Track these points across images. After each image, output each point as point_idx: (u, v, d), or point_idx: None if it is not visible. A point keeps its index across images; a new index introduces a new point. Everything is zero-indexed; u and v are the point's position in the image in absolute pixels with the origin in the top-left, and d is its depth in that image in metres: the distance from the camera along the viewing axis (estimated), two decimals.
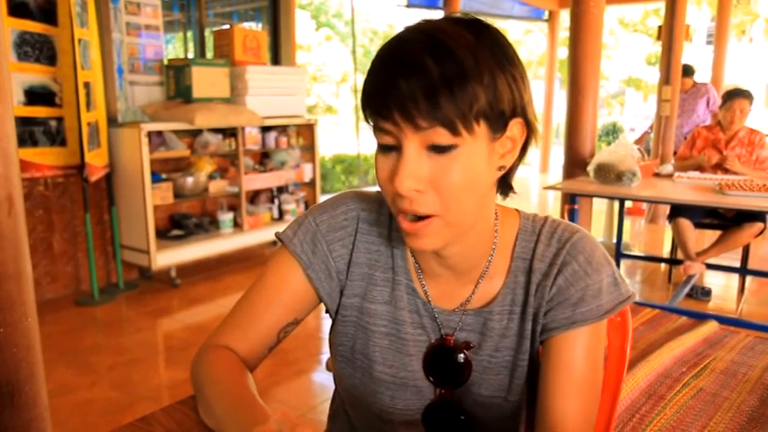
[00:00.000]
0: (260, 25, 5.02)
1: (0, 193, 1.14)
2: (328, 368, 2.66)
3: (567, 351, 0.70)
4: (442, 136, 0.60)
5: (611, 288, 0.71)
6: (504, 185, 0.71)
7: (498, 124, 0.63)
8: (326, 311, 0.82)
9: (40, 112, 3.25)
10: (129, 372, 2.58)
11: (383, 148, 0.64)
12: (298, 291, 0.78)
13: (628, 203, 5.25)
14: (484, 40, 0.62)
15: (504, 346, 0.74)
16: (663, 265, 4.17)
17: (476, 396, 0.75)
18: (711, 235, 4.10)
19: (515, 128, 0.65)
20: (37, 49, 3.20)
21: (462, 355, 0.75)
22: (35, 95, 3.23)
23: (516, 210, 0.78)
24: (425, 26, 0.62)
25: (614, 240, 4.04)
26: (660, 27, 5.32)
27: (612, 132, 11.44)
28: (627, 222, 5.46)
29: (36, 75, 3.21)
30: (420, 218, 0.64)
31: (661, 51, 5.28)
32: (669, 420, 1.43)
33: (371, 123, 0.64)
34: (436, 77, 0.58)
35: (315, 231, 0.77)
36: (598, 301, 0.70)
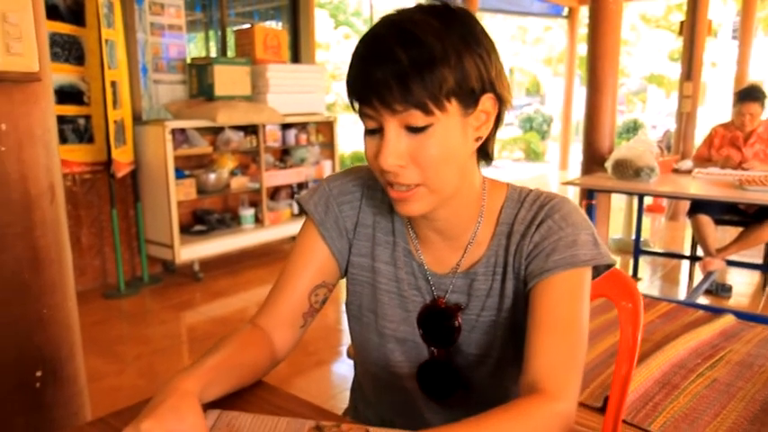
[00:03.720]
0: (280, 24, 5.10)
1: (43, 183, 1.22)
2: (349, 355, 2.71)
3: (545, 296, 0.73)
4: (416, 118, 0.67)
5: (590, 245, 0.75)
6: (484, 155, 0.78)
7: (469, 100, 0.70)
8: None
9: (69, 110, 3.35)
10: (153, 361, 2.67)
11: (368, 131, 0.72)
12: (320, 252, 0.85)
13: (647, 200, 5.21)
14: (452, 23, 0.68)
15: (488, 305, 0.80)
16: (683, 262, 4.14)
17: (466, 355, 0.82)
18: (733, 232, 4.06)
19: (487, 102, 0.72)
20: (66, 50, 3.31)
21: (453, 317, 0.81)
22: (64, 94, 3.33)
23: (507, 183, 0.84)
24: (396, 17, 0.69)
25: (633, 237, 4.03)
26: (682, 22, 5.26)
27: (633, 129, 11.32)
28: (647, 220, 5.41)
29: (65, 74, 3.31)
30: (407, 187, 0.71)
31: (683, 47, 5.23)
32: (682, 408, 1.46)
33: (356, 110, 0.71)
34: (406, 65, 0.65)
35: (328, 195, 0.86)
36: (572, 251, 0.74)
